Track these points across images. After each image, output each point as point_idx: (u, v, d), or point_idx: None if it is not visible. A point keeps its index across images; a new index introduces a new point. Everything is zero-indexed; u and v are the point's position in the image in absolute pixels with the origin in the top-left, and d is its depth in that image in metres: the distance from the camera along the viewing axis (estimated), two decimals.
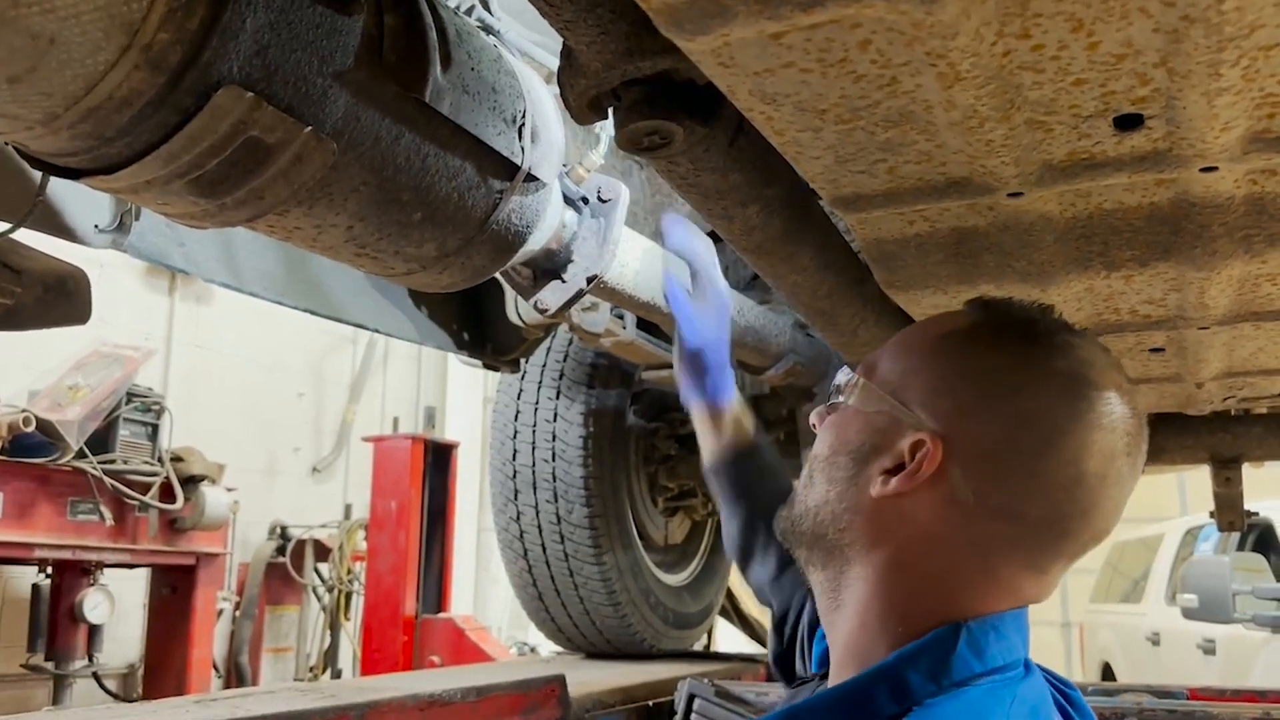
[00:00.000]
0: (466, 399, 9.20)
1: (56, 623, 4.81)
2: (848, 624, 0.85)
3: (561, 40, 1.09)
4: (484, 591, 8.99)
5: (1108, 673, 7.64)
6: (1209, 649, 5.77)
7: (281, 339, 7.57)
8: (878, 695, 0.76)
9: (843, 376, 0.92)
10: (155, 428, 4.87)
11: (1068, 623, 11.76)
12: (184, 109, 0.86)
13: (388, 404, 8.76)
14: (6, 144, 1.06)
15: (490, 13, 1.63)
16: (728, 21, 0.72)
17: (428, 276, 1.31)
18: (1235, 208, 1.06)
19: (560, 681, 2.25)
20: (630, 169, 2.61)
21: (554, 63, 1.73)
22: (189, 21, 0.83)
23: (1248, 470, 3.23)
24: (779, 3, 0.70)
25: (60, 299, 1.82)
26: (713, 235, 2.68)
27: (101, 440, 4.62)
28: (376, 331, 2.57)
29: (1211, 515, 3.38)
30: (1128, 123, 0.89)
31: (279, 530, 6.74)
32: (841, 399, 0.90)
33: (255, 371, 7.44)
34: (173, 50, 0.83)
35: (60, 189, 1.69)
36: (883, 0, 0.69)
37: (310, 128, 0.94)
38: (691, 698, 2.44)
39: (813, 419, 0.94)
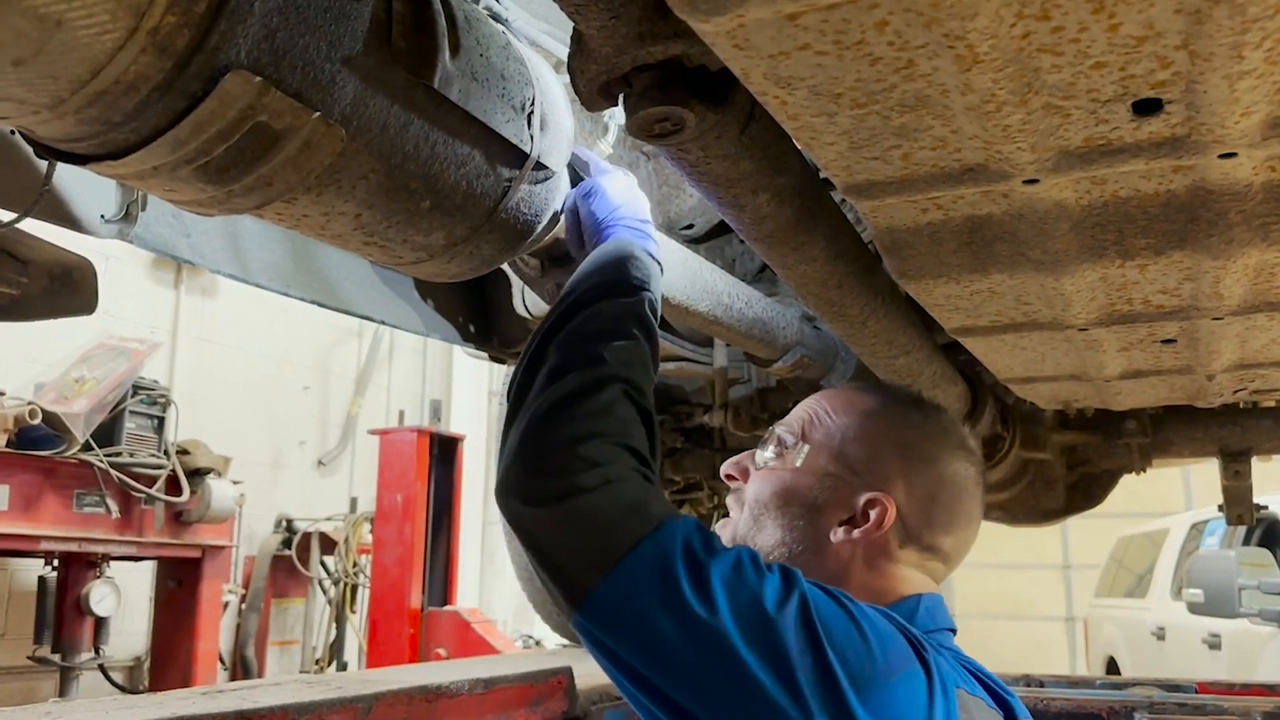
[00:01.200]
0: (472, 392, 9.20)
1: (63, 615, 4.81)
2: None
3: (571, 27, 1.08)
4: (489, 584, 9.00)
5: (1112, 667, 7.62)
6: (1215, 644, 5.76)
7: (287, 332, 7.57)
8: None
9: (773, 440, 1.14)
10: (161, 420, 4.87)
11: (1071, 617, 11.75)
12: (191, 94, 0.85)
13: (393, 397, 8.76)
14: (12, 132, 1.05)
15: (498, 0, 1.62)
16: (744, 2, 0.71)
17: (436, 266, 1.30)
18: (1254, 195, 1.05)
19: (567, 674, 2.24)
20: (637, 160, 2.59)
21: (562, 50, 1.72)
22: (196, 5, 0.81)
23: (1254, 464, 3.22)
24: None
25: (66, 290, 1.82)
26: (723, 226, 2.68)
27: (107, 433, 4.62)
28: (383, 323, 2.57)
29: (1220, 509, 3.36)
30: (1146, 107, 0.88)
31: (285, 523, 6.74)
32: (775, 458, 1.13)
33: (261, 364, 7.44)
34: (180, 34, 0.82)
35: (67, 178, 1.68)
36: None
37: (319, 113, 0.93)
38: None
39: (730, 469, 1.18)
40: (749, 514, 1.11)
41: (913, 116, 0.90)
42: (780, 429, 1.14)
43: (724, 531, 1.13)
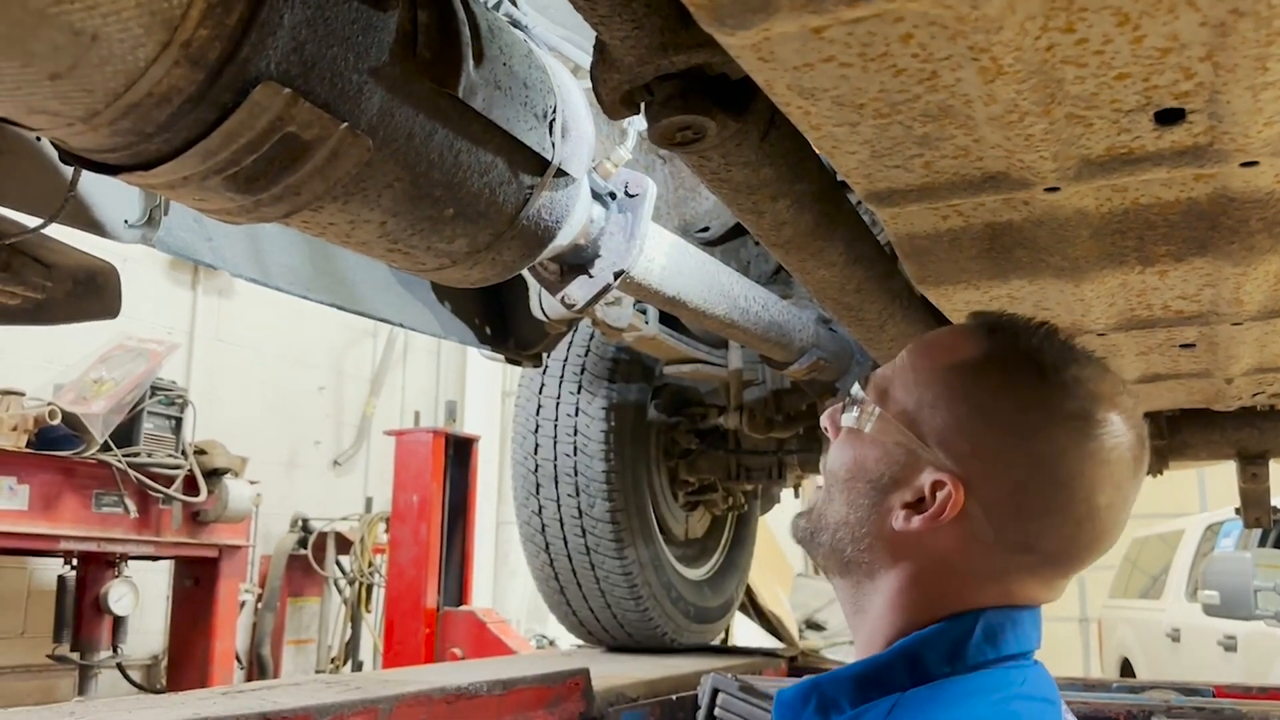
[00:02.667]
0: (485, 393, 9.22)
1: (82, 614, 4.85)
2: (868, 628, 0.91)
3: (593, 35, 1.09)
4: (503, 584, 9.02)
5: (1127, 669, 7.60)
6: (1230, 646, 5.73)
7: (303, 333, 7.61)
8: (896, 671, 0.83)
9: (858, 391, 0.95)
10: (179, 421, 4.90)
11: (1085, 618, 11.71)
12: (222, 105, 0.86)
13: (408, 398, 8.79)
14: (39, 139, 1.06)
15: (517, 7, 1.63)
16: (770, 16, 0.72)
17: (458, 272, 1.31)
18: (1275, 202, 1.05)
19: (585, 675, 2.25)
20: (653, 163, 2.60)
21: (582, 56, 1.73)
22: (228, 18, 0.83)
23: (1272, 467, 3.20)
24: None
25: (90, 294, 1.83)
26: (739, 229, 2.68)
27: (126, 433, 4.65)
28: (400, 326, 2.58)
29: (1237, 511, 3.35)
30: (1169, 117, 0.88)
31: (300, 523, 6.77)
32: (855, 420, 0.93)
33: (276, 365, 7.48)
34: (212, 46, 0.83)
35: (90, 184, 1.69)
36: None
37: (346, 124, 0.94)
38: (715, 692, 2.44)
39: (825, 421, 0.98)
40: (824, 483, 0.95)
41: (935, 126, 0.91)
42: (859, 387, 0.96)
43: (813, 496, 0.99)
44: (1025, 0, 0.70)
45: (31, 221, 1.61)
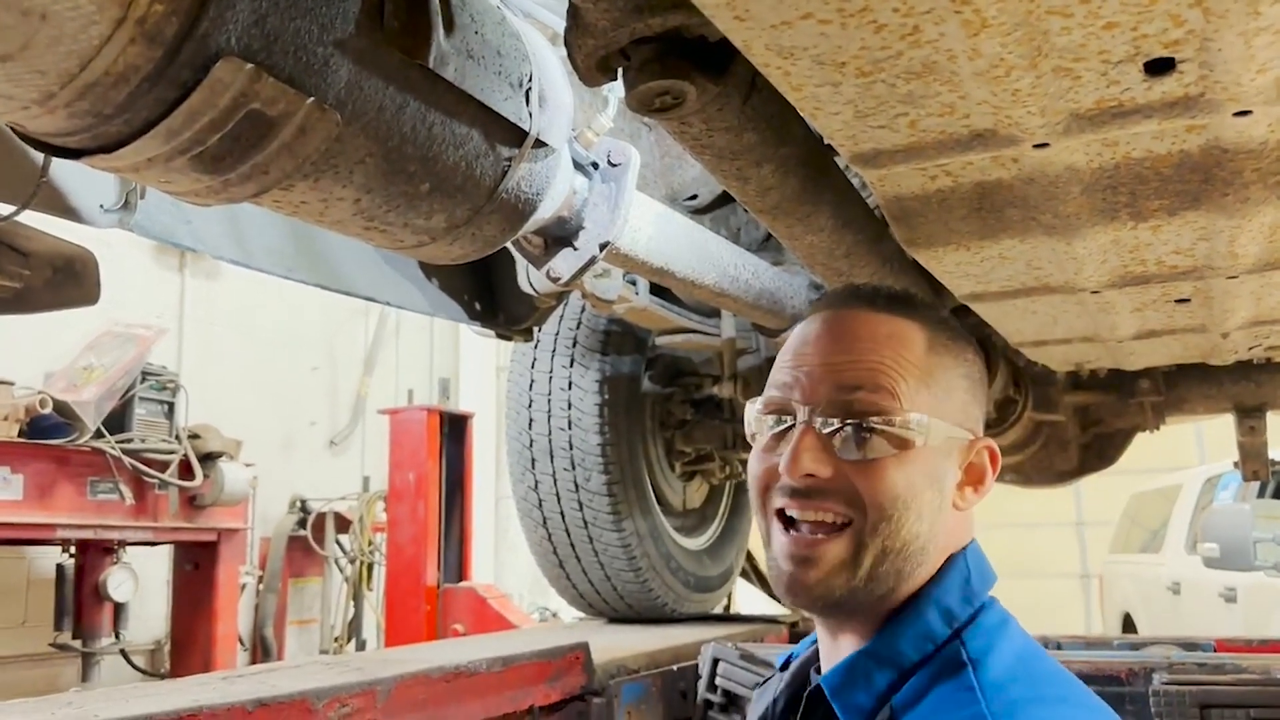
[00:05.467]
0: (480, 369, 9.20)
1: (82, 601, 4.85)
2: (885, 608, 0.96)
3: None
4: (504, 559, 9.04)
5: (1128, 623, 7.65)
6: (1230, 597, 5.77)
7: (294, 313, 7.57)
8: (932, 621, 0.92)
9: (888, 424, 0.93)
10: (171, 406, 4.88)
11: (1086, 574, 11.78)
12: (182, 83, 0.84)
13: (401, 376, 8.77)
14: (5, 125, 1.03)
15: None
16: None
17: (438, 248, 1.28)
18: (1269, 152, 1.03)
19: (584, 649, 2.25)
20: (639, 131, 2.57)
21: (558, 22, 1.70)
22: None
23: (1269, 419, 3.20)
24: None
25: (69, 281, 1.81)
26: (728, 196, 2.65)
27: (118, 420, 4.63)
28: (388, 305, 2.55)
29: (1235, 465, 3.35)
30: (1159, 67, 0.86)
31: (299, 504, 6.77)
32: (903, 439, 0.92)
33: (268, 346, 7.45)
34: (168, 22, 0.80)
35: (64, 170, 1.66)
36: None
37: (313, 98, 0.91)
38: (716, 661, 2.44)
39: (816, 469, 0.92)
40: (876, 513, 0.91)
41: (919, 83, 0.88)
42: (881, 410, 0.92)
43: (827, 552, 0.92)
44: None
45: (4, 209, 1.58)
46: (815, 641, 1.07)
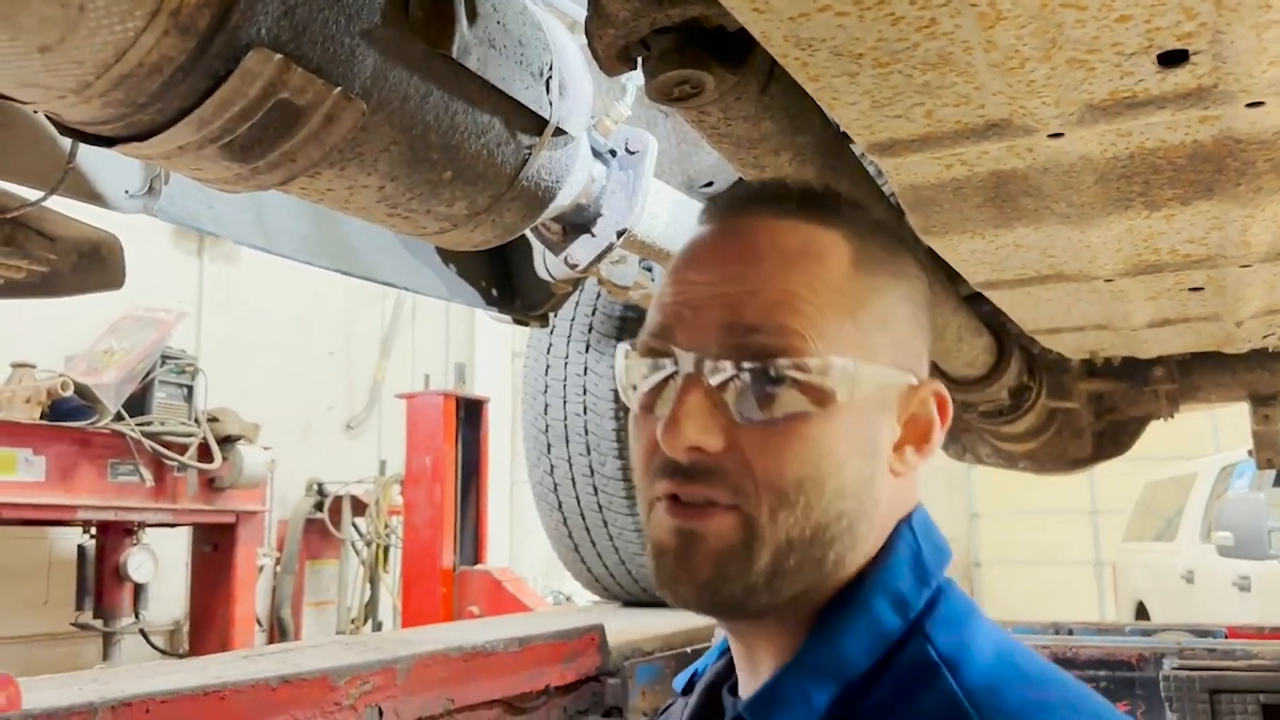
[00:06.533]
0: (495, 354, 9.24)
1: (103, 582, 4.92)
2: (821, 596, 0.73)
3: None
4: (518, 543, 9.10)
5: (1141, 611, 7.65)
6: (1244, 586, 5.76)
7: (311, 298, 7.62)
8: (882, 612, 0.70)
9: (792, 373, 0.68)
10: (190, 389, 4.93)
11: (1100, 562, 11.75)
12: (214, 73, 0.86)
13: (418, 360, 8.82)
14: (37, 113, 1.06)
15: None
16: None
17: (459, 235, 1.30)
18: None
19: (599, 630, 2.27)
20: (655, 118, 2.58)
21: (576, 10, 1.71)
22: None
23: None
24: None
25: (94, 265, 1.84)
26: (742, 182, 2.66)
27: (138, 403, 4.68)
28: (407, 290, 2.58)
29: (1250, 454, 3.35)
30: (1172, 59, 0.87)
31: (316, 487, 6.83)
32: (807, 398, 0.69)
33: (286, 330, 7.50)
34: (201, 14, 0.82)
35: (90, 155, 1.69)
36: None
37: (340, 88, 0.93)
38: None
39: (701, 441, 0.68)
40: (772, 498, 0.68)
41: (935, 74, 0.90)
42: (790, 352, 0.68)
43: (715, 528, 0.69)
44: None
45: (32, 195, 1.61)
46: (724, 651, 0.82)
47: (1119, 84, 0.91)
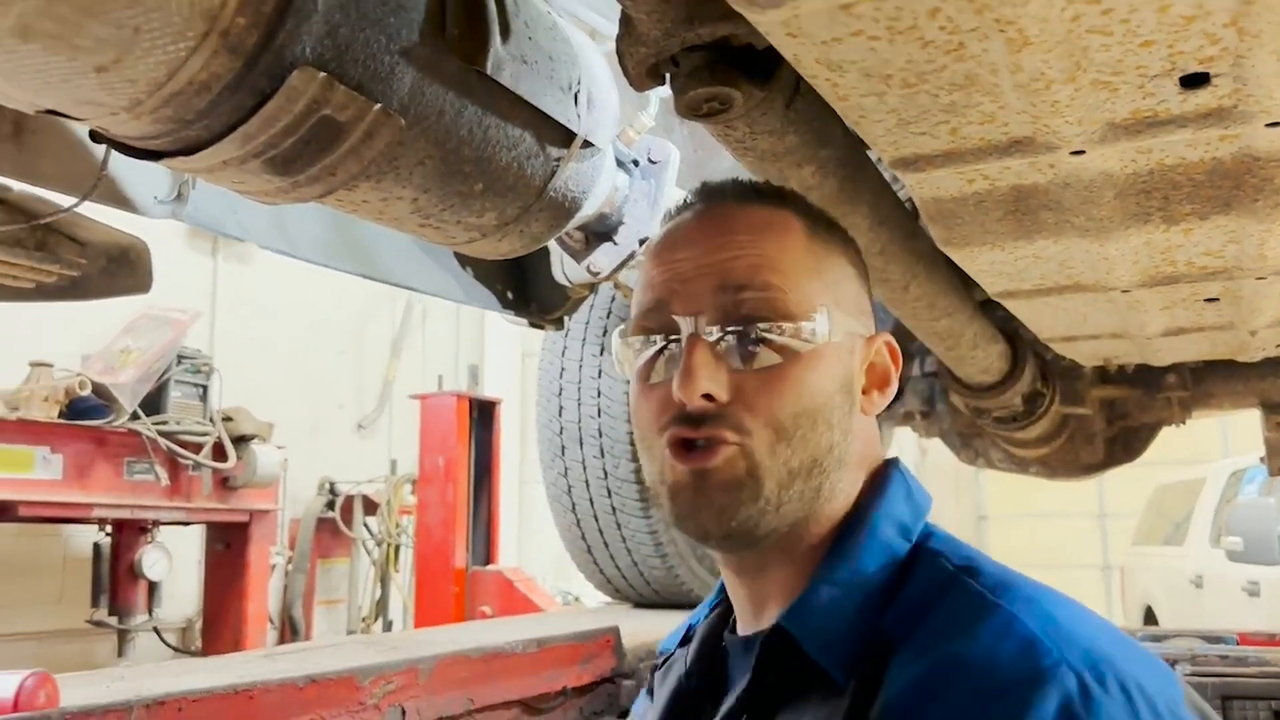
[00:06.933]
0: (504, 355, 9.28)
1: (117, 579, 4.96)
2: (812, 539, 0.83)
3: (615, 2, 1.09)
4: (526, 543, 9.13)
5: (1150, 616, 7.65)
6: (1254, 591, 5.76)
7: (322, 298, 7.65)
8: (890, 537, 0.81)
9: (780, 325, 0.80)
10: (205, 389, 4.97)
11: (1108, 565, 11.76)
12: (260, 91, 0.88)
13: (428, 360, 8.85)
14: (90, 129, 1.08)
15: None
16: None
17: (487, 244, 1.33)
18: None
19: (615, 632, 2.30)
20: (671, 124, 2.60)
21: (598, 20, 1.73)
22: (264, 5, 0.84)
23: None
24: None
25: (123, 269, 1.87)
26: None
27: (154, 402, 4.72)
28: (424, 293, 2.60)
29: (1261, 460, 3.36)
30: (1194, 81, 0.89)
31: (327, 486, 6.86)
32: (808, 340, 0.80)
33: (298, 330, 7.53)
34: (249, 34, 0.85)
35: (119, 162, 1.71)
36: None
37: (379, 104, 0.96)
38: None
39: (712, 389, 0.78)
40: (770, 434, 0.78)
41: (961, 94, 0.92)
42: (777, 307, 0.81)
43: (719, 466, 0.78)
44: None
45: (64, 200, 1.64)
46: (715, 605, 0.95)
47: (1141, 104, 0.94)
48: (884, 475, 0.86)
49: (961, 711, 0.67)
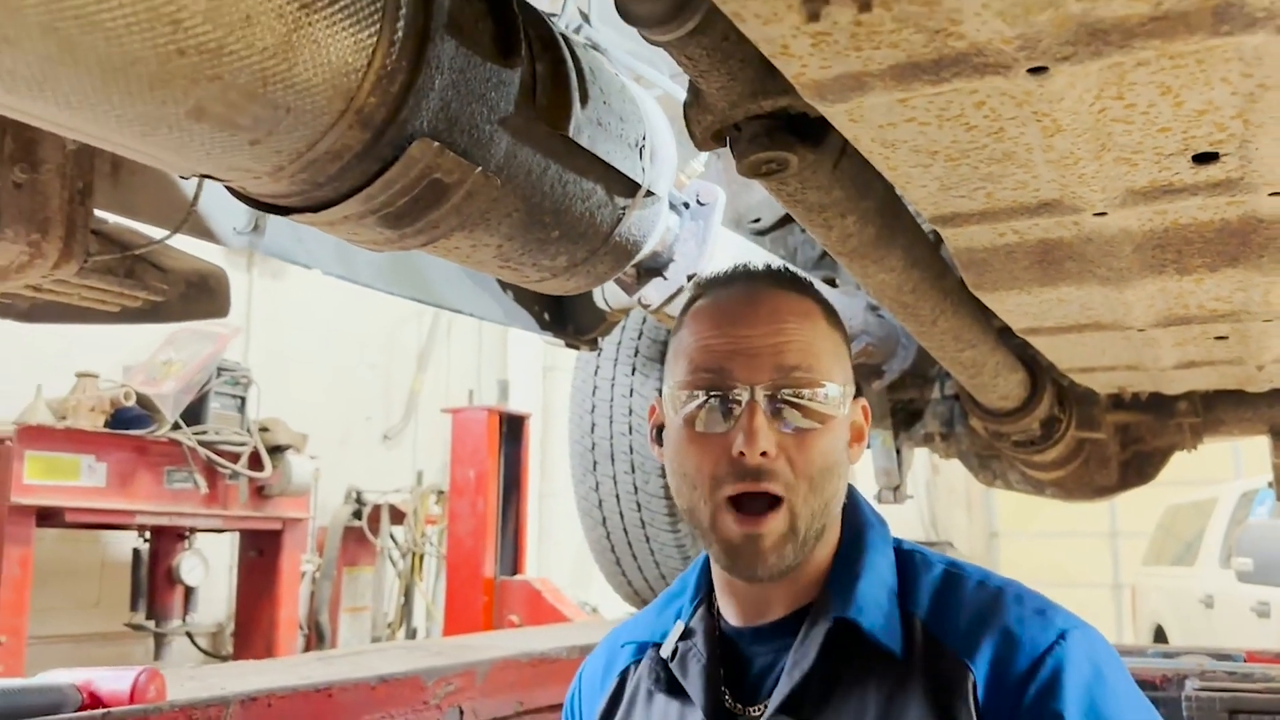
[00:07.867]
0: (527, 369, 9.40)
1: (155, 584, 5.09)
2: (809, 570, 1.06)
3: (675, 68, 1.22)
4: (545, 554, 9.23)
5: (1160, 635, 7.70)
6: (1263, 612, 5.83)
7: (353, 314, 7.79)
8: (884, 548, 1.08)
9: (819, 397, 1.02)
10: (243, 400, 5.10)
11: (1119, 585, 11.78)
12: (383, 158, 1.01)
13: (453, 374, 8.99)
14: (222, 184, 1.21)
15: (589, 24, 1.76)
16: (865, 93, 0.86)
17: (556, 283, 1.45)
18: None
19: None
20: (709, 158, 2.73)
21: (649, 71, 1.86)
22: (392, 86, 0.97)
23: None
24: (912, 79, 0.83)
25: (202, 295, 2.00)
26: (787, 218, 2.79)
27: (194, 413, 4.85)
28: (471, 315, 2.73)
29: (1270, 485, 3.45)
30: (1205, 159, 1.01)
31: (355, 495, 6.99)
32: (834, 408, 1.03)
33: (329, 344, 7.67)
34: (379, 111, 0.98)
35: (204, 197, 1.84)
36: (1000, 77, 0.82)
37: (480, 168, 1.08)
38: None
39: (769, 448, 0.98)
40: (806, 485, 1.00)
41: (998, 167, 1.04)
42: (817, 384, 1.02)
43: (773, 528, 0.99)
44: (1084, 77, 0.83)
45: (152, 231, 1.77)
46: (697, 601, 1.14)
47: (1158, 176, 1.06)
48: (855, 504, 1.11)
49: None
